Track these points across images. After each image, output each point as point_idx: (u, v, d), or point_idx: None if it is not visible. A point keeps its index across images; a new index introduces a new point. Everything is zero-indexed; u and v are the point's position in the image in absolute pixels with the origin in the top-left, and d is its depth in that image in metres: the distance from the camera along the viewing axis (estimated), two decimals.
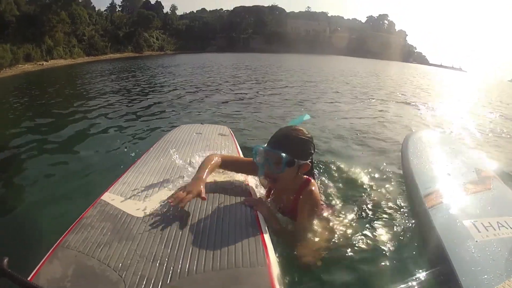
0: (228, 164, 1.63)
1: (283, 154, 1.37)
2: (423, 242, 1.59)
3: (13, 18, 24.50)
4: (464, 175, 1.98)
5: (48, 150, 3.73)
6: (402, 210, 1.92)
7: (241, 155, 2.07)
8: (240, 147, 2.25)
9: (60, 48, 28.04)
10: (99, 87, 9.69)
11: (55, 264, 0.99)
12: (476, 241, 1.38)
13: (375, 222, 1.77)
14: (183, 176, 1.60)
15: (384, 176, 2.54)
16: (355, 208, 1.86)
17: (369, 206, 1.94)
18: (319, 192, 1.60)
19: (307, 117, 1.63)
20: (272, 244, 1.16)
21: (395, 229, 1.71)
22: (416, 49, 79.52)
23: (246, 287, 0.92)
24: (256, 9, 69.28)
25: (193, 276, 0.96)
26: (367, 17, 79.96)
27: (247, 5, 71.31)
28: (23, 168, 3.13)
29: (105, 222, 1.21)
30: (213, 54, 39.82)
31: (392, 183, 2.38)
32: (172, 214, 1.27)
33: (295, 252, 1.37)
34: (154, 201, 1.37)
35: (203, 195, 1.32)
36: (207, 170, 1.48)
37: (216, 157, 1.59)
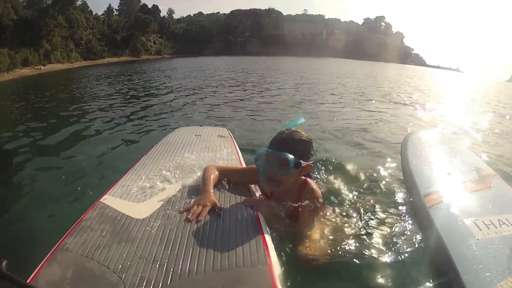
0: (226, 174, 1.61)
1: (291, 156, 1.38)
2: (424, 241, 1.58)
3: (10, 22, 24.49)
4: (464, 174, 1.98)
5: (45, 153, 3.71)
6: (402, 210, 1.91)
7: (241, 157, 2.06)
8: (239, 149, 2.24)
9: (58, 52, 28.05)
10: (96, 91, 9.69)
11: (54, 267, 0.98)
12: (478, 239, 1.38)
13: (375, 222, 1.76)
14: (183, 178, 1.59)
15: (384, 177, 2.53)
16: (355, 209, 1.85)
17: (369, 206, 1.92)
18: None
19: (302, 120, 1.63)
20: (273, 244, 1.15)
21: (395, 229, 1.70)
22: (413, 50, 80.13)
23: (247, 287, 0.91)
24: (253, 12, 69.58)
25: (194, 276, 0.95)
26: (364, 19, 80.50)
27: (244, 8, 71.74)
28: (21, 171, 3.12)
29: (104, 224, 1.20)
30: (210, 58, 39.92)
31: (392, 183, 2.37)
32: (171, 216, 1.26)
33: (296, 251, 1.36)
34: (154, 203, 1.36)
35: (219, 205, 1.33)
36: (211, 182, 1.48)
37: (214, 169, 1.59)
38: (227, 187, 1.52)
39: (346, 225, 1.64)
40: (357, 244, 1.52)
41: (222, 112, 6.09)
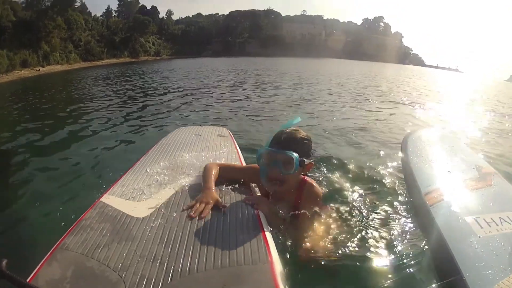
0: (226, 172, 1.61)
1: (295, 154, 1.37)
2: (425, 239, 1.57)
3: (9, 24, 24.46)
4: (464, 172, 1.98)
5: (44, 154, 3.71)
6: (403, 208, 1.91)
7: (241, 156, 2.06)
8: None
9: (57, 53, 28.02)
10: (94, 92, 9.70)
11: (54, 266, 0.97)
12: (479, 237, 1.37)
13: (376, 221, 1.75)
14: (183, 177, 1.58)
15: (384, 175, 2.53)
16: (356, 208, 1.84)
17: (370, 205, 1.92)
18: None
19: (298, 120, 1.62)
20: (274, 241, 1.14)
21: (396, 228, 1.70)
22: (412, 50, 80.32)
23: (248, 285, 0.90)
24: (252, 13, 69.63)
25: (194, 274, 0.94)
26: (362, 19, 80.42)
27: (242, 9, 71.75)
28: (20, 171, 3.12)
29: (105, 223, 1.19)
30: (209, 59, 39.93)
31: (393, 182, 2.37)
32: (172, 214, 1.25)
33: (297, 250, 1.36)
34: (154, 202, 1.36)
35: (221, 202, 1.33)
36: (212, 179, 1.48)
37: (215, 166, 1.59)
38: (224, 188, 1.52)
39: (346, 224, 1.63)
40: (357, 243, 1.51)
41: (221, 113, 6.10)
